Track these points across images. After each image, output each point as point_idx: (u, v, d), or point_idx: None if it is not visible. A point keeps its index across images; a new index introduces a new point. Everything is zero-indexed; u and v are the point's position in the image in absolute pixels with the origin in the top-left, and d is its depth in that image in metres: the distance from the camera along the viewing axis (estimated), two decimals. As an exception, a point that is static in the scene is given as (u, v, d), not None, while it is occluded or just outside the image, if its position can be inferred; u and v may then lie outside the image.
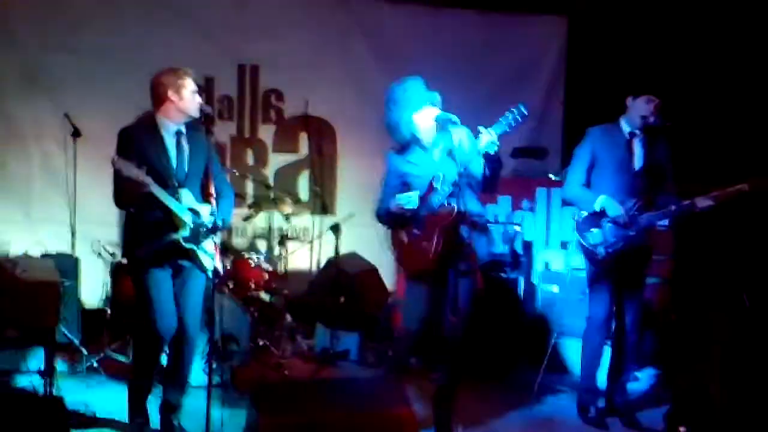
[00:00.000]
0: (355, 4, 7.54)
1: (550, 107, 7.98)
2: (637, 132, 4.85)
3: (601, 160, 4.90)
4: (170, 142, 4.24)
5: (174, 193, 4.15)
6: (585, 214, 4.91)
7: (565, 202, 6.40)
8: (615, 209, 4.76)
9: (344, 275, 6.39)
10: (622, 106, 4.95)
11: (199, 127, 4.32)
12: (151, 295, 4.20)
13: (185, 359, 4.41)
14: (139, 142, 4.16)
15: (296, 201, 6.82)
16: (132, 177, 3.92)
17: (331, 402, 4.03)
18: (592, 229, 4.85)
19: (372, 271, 6.63)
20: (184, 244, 4.17)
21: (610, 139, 4.90)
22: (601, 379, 5.10)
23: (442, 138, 4.36)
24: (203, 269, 4.26)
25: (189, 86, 4.21)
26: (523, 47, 7.91)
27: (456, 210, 4.21)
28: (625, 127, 4.89)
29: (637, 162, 4.87)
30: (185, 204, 4.18)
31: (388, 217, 4.47)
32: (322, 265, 6.83)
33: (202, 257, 4.24)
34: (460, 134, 4.28)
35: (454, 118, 4.19)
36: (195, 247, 4.20)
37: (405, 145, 4.45)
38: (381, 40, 7.56)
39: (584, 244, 4.89)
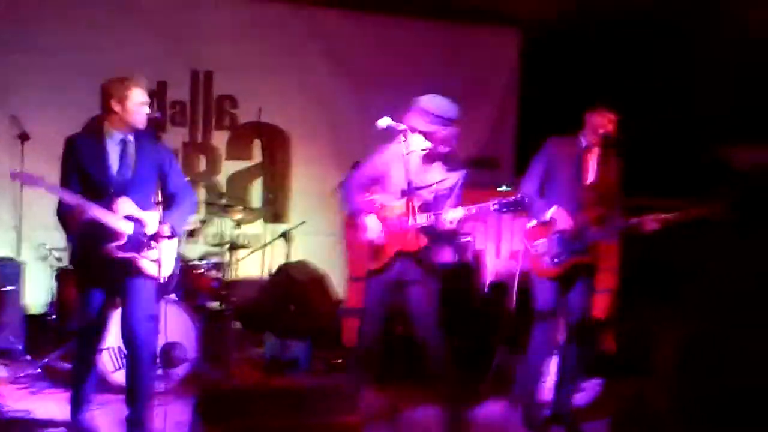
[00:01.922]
0: (309, 13, 7.53)
1: (503, 118, 8.08)
2: (593, 147, 4.90)
3: (555, 171, 4.93)
4: (113, 150, 4.18)
5: (109, 203, 4.09)
6: (534, 222, 4.96)
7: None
8: (565, 221, 4.80)
9: (294, 283, 6.36)
10: (575, 117, 5.02)
11: (151, 132, 4.27)
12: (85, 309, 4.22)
13: (136, 371, 4.27)
14: (78, 151, 4.15)
15: (248, 208, 6.78)
16: (72, 204, 3.96)
17: (276, 410, 4.01)
18: (540, 239, 4.91)
19: (322, 280, 6.61)
20: (121, 253, 4.11)
21: (566, 151, 4.94)
22: (544, 390, 5.16)
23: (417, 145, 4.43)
24: (147, 277, 4.20)
25: (135, 98, 4.14)
26: (477, 58, 7.98)
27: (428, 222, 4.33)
28: (582, 141, 4.94)
29: (590, 176, 4.91)
30: (122, 213, 4.12)
31: (347, 202, 4.57)
32: (272, 272, 6.80)
33: (146, 265, 4.18)
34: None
35: (402, 126, 4.27)
36: (135, 256, 4.14)
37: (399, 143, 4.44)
38: (335, 48, 7.57)
39: (531, 252, 4.95)
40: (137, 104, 4.15)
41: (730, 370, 4.21)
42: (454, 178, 4.56)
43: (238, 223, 6.47)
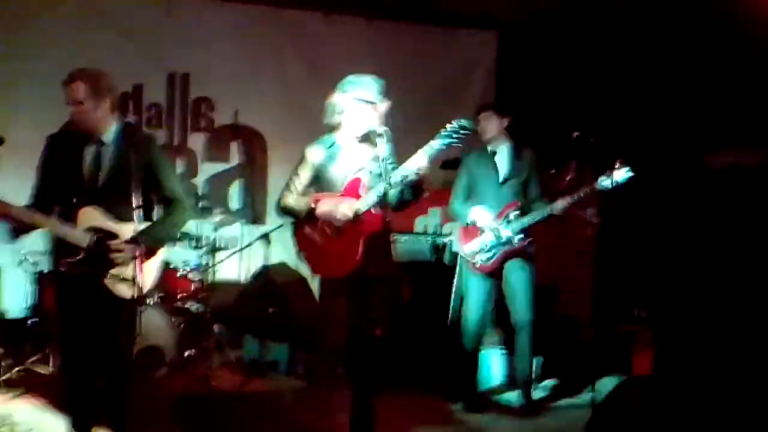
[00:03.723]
0: (285, 15, 7.53)
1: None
2: (497, 149, 5.39)
3: (474, 178, 5.44)
4: (87, 153, 3.88)
5: (69, 213, 3.78)
6: (460, 227, 5.49)
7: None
8: (482, 217, 5.28)
9: (273, 285, 6.35)
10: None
11: (137, 135, 4.06)
12: (64, 332, 3.96)
13: (120, 398, 3.91)
14: (53, 152, 3.91)
15: (226, 210, 6.77)
16: (17, 218, 3.72)
17: (256, 413, 4.01)
18: (469, 241, 5.35)
19: (301, 282, 6.60)
20: (80, 269, 3.76)
21: (479, 158, 5.47)
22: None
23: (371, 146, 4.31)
24: (115, 298, 3.79)
25: (67, 97, 3.85)
26: (454, 61, 8.03)
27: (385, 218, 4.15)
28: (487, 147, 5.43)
29: (502, 174, 5.36)
30: (85, 224, 3.77)
31: (291, 211, 4.28)
32: (251, 275, 6.80)
33: (113, 285, 3.78)
34: (385, 150, 4.17)
35: (380, 129, 4.12)
36: (96, 273, 3.76)
37: (326, 136, 4.32)
38: (312, 51, 7.58)
39: (463, 255, 5.41)
40: (67, 104, 3.85)
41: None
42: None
43: (217, 226, 6.46)
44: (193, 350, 5.96)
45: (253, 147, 7.55)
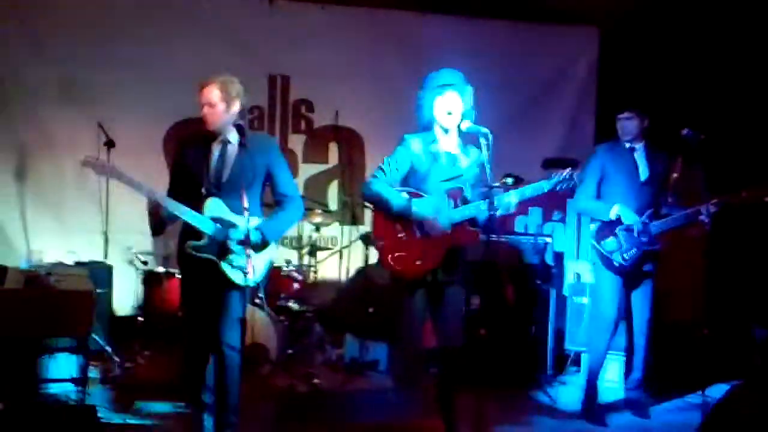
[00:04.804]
0: (385, 15, 7.56)
1: (581, 118, 7.97)
2: (636, 146, 5.24)
3: (610, 174, 5.26)
4: (215, 151, 4.19)
5: (198, 203, 4.10)
6: (599, 223, 5.26)
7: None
8: (630, 217, 5.09)
9: (373, 285, 6.39)
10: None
11: (259, 135, 4.41)
12: (185, 306, 4.33)
13: (223, 375, 4.19)
14: (183, 151, 4.27)
15: (326, 211, 6.85)
16: (147, 197, 4.07)
17: (357, 413, 4.01)
18: (607, 238, 5.19)
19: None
20: (198, 253, 4.10)
21: (616, 155, 5.28)
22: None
23: (473, 149, 4.31)
24: (230, 283, 4.13)
25: (200, 100, 4.15)
26: (554, 58, 7.92)
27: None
28: (624, 143, 5.28)
29: (642, 173, 5.21)
30: (209, 214, 4.11)
31: (379, 200, 4.21)
32: (351, 274, 6.84)
33: (228, 270, 4.12)
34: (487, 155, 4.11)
35: (484, 130, 4.06)
36: (214, 258, 4.10)
37: (425, 132, 4.31)
38: (411, 50, 7.56)
39: (601, 251, 5.22)
40: (201, 106, 4.17)
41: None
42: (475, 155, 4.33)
43: (318, 226, 6.54)
44: (295, 348, 6.04)
45: (351, 148, 7.61)
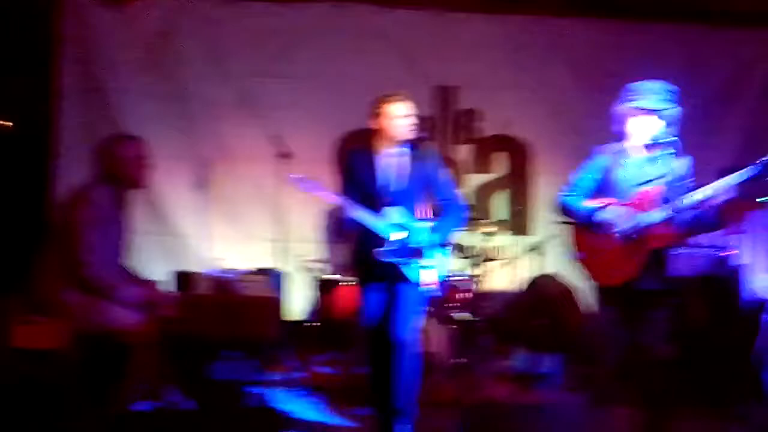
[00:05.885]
0: (551, 22, 7.45)
1: (759, 126, 7.54)
2: None
3: None
4: (386, 163, 4.48)
5: (379, 212, 4.38)
6: None
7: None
8: None
9: (542, 296, 6.30)
10: None
11: (427, 146, 4.55)
12: (367, 311, 4.52)
13: (400, 372, 4.42)
14: (350, 164, 4.58)
15: (495, 221, 6.80)
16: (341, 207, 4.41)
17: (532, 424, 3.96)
18: None
19: (569, 293, 6.48)
20: (384, 258, 4.38)
21: None
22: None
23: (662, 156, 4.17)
24: (411, 283, 4.42)
25: (392, 112, 4.43)
26: (728, 63, 7.56)
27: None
28: None
29: None
30: (392, 221, 4.39)
31: (571, 211, 4.28)
32: (520, 284, 6.76)
33: (410, 272, 4.42)
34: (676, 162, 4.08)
35: (672, 139, 4.03)
36: (399, 261, 4.38)
37: (617, 144, 4.28)
38: (579, 56, 7.43)
39: None
40: (395, 118, 4.43)
41: None
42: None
43: (488, 236, 6.51)
44: (464, 358, 6.02)
45: (517, 157, 7.54)
